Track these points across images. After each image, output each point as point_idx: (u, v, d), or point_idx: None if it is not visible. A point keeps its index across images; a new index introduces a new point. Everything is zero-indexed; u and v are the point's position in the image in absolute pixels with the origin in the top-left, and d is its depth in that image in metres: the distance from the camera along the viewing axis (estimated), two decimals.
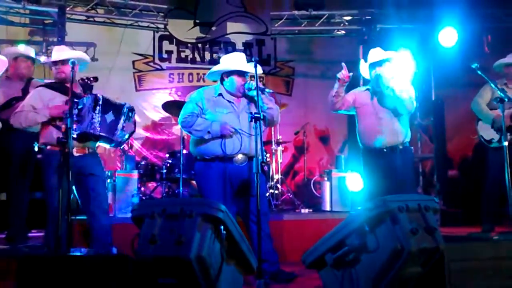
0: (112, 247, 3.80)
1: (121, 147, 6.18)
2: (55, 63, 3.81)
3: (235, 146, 3.70)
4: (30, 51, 4.58)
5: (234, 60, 3.84)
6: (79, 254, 3.07)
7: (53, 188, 3.48)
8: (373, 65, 4.14)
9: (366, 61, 4.26)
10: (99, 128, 3.57)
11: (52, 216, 3.54)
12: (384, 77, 4.03)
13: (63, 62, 3.77)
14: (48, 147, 3.69)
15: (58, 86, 3.79)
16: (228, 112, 3.77)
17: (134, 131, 3.94)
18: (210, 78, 4.02)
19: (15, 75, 4.47)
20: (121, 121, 3.66)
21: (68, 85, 3.63)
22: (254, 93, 3.61)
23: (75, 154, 3.64)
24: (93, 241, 3.75)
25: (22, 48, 4.59)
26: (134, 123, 3.83)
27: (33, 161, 4.48)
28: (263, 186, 4.10)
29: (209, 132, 3.68)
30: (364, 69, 4.31)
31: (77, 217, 4.37)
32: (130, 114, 3.72)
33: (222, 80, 3.87)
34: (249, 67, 3.74)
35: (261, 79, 7.67)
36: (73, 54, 3.89)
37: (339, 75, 4.00)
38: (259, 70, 3.80)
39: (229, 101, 3.82)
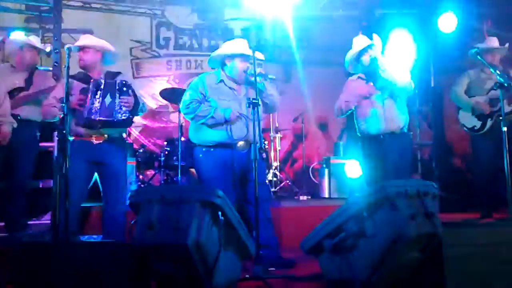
0: (123, 235, 3.78)
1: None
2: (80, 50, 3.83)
3: (241, 131, 3.71)
4: (36, 41, 4.55)
5: (237, 45, 3.81)
6: (75, 241, 3.06)
7: (72, 176, 3.44)
8: (362, 52, 4.07)
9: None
10: (98, 114, 3.55)
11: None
12: (379, 59, 3.99)
13: (84, 49, 3.80)
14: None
15: (79, 75, 3.82)
16: (230, 100, 3.76)
17: (139, 104, 3.77)
18: (211, 64, 3.99)
19: (20, 64, 4.44)
20: (116, 98, 3.60)
21: (90, 73, 3.76)
22: (257, 79, 3.59)
23: (94, 142, 3.67)
24: (104, 229, 3.76)
25: (25, 37, 4.54)
26: (135, 96, 3.70)
27: (35, 149, 4.48)
28: (263, 172, 4.07)
29: (213, 117, 3.68)
30: (351, 64, 4.21)
31: (92, 204, 4.43)
32: (124, 88, 3.63)
33: (223, 66, 3.84)
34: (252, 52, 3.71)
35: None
36: (95, 42, 3.87)
37: (366, 93, 4.04)
38: (260, 56, 3.78)
39: (230, 88, 3.81)
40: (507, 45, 4.85)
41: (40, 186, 5.20)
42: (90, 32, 6.69)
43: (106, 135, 3.70)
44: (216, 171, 3.73)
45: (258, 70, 3.63)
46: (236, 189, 3.77)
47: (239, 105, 3.75)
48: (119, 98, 3.61)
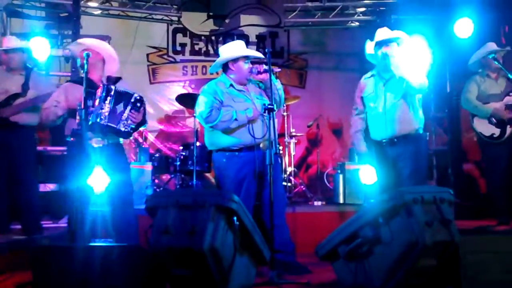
0: (137, 238, 3.78)
1: (134, 139, 6.24)
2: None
3: (262, 131, 3.73)
4: (12, 41, 4.43)
5: (237, 47, 3.87)
6: (93, 245, 3.10)
7: (71, 178, 3.50)
8: (379, 45, 3.93)
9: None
10: (106, 119, 3.55)
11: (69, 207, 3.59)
12: (392, 56, 3.83)
13: (85, 49, 3.73)
14: (71, 138, 3.72)
15: (80, 79, 3.80)
16: (243, 101, 3.80)
17: (144, 122, 3.83)
18: (213, 70, 4.10)
19: (11, 69, 4.39)
20: (127, 110, 3.61)
21: (89, 76, 3.64)
22: (261, 76, 3.68)
23: (94, 145, 3.67)
24: (116, 233, 3.76)
25: (8, 41, 4.45)
26: (144, 114, 3.74)
27: (35, 152, 4.54)
28: (279, 176, 4.05)
29: (236, 119, 3.70)
30: (370, 49, 4.07)
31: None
32: (138, 104, 3.65)
33: (226, 70, 3.89)
34: (253, 52, 3.86)
35: (272, 71, 7.64)
36: (95, 43, 3.87)
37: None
38: (258, 54, 3.95)
39: (239, 90, 3.85)
40: (508, 47, 4.80)
41: (50, 189, 5.27)
42: (107, 38, 6.82)
43: (106, 140, 3.70)
44: (242, 174, 3.74)
45: (262, 67, 3.70)
46: (254, 193, 3.78)
47: (253, 104, 3.80)
48: (130, 111, 3.63)
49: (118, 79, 3.94)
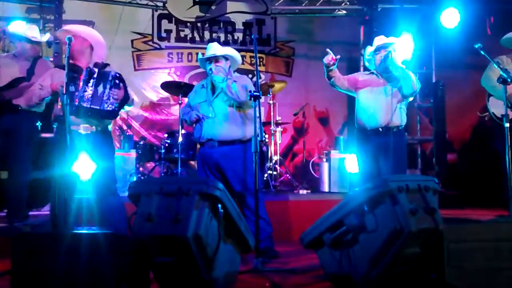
0: (125, 226, 3.72)
1: (118, 126, 6.17)
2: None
3: (201, 132, 3.87)
4: (35, 32, 4.50)
5: (208, 50, 3.91)
6: (74, 232, 3.05)
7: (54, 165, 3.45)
8: (378, 49, 4.13)
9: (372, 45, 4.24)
10: (89, 102, 3.49)
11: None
12: (393, 57, 4.02)
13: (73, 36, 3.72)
14: (55, 124, 3.69)
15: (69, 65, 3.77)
16: (202, 101, 3.92)
17: (127, 98, 3.74)
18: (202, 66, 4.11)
19: (21, 55, 4.42)
20: (107, 89, 3.55)
21: (77, 62, 3.69)
22: (213, 78, 3.77)
23: (82, 132, 3.62)
24: (101, 221, 3.73)
25: (24, 29, 4.48)
26: (125, 90, 3.67)
27: (36, 140, 4.48)
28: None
29: (185, 120, 3.99)
30: (368, 55, 4.28)
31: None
32: (117, 81, 3.58)
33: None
34: (214, 50, 3.85)
35: (261, 59, 7.62)
36: (82, 29, 3.82)
37: (325, 60, 4.02)
38: (233, 52, 3.92)
39: (207, 90, 3.94)
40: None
41: (41, 177, 5.20)
42: (91, 23, 6.70)
43: (94, 127, 3.65)
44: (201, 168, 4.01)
45: (213, 67, 3.78)
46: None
47: (209, 106, 3.91)
48: (110, 89, 3.57)
49: (105, 65, 3.87)
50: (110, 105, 3.55)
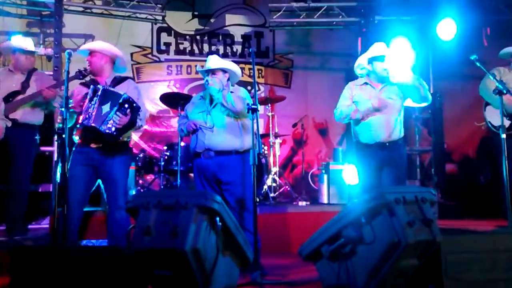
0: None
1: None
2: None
3: (198, 143, 3.87)
4: (29, 44, 4.53)
5: (207, 62, 3.95)
6: (73, 246, 3.06)
7: (71, 180, 3.45)
8: (375, 59, 4.03)
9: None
10: (91, 120, 3.48)
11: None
12: (389, 71, 3.92)
13: (91, 53, 3.80)
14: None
15: (88, 81, 3.85)
16: (200, 112, 3.92)
17: (132, 126, 3.68)
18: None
19: (16, 68, 4.46)
20: (113, 111, 3.52)
21: (97, 78, 3.79)
22: (209, 89, 3.81)
23: (92, 146, 3.65)
24: (109, 234, 3.73)
25: (19, 41, 4.52)
26: (132, 117, 3.61)
27: (34, 153, 4.48)
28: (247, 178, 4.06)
29: (182, 130, 3.96)
30: (362, 62, 4.14)
31: (94, 209, 4.48)
32: (126, 105, 3.55)
33: None
34: (211, 63, 3.88)
35: (260, 71, 7.67)
36: (101, 46, 3.86)
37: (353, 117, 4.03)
38: (232, 66, 3.93)
39: (206, 101, 3.96)
40: None
41: (40, 190, 5.22)
42: (91, 37, 6.75)
43: (100, 143, 3.63)
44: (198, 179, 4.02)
45: (209, 79, 3.83)
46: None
47: (206, 116, 3.91)
48: (115, 113, 3.53)
49: (123, 78, 3.92)
50: (108, 129, 3.51)
